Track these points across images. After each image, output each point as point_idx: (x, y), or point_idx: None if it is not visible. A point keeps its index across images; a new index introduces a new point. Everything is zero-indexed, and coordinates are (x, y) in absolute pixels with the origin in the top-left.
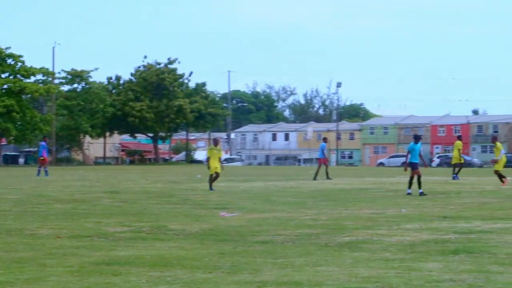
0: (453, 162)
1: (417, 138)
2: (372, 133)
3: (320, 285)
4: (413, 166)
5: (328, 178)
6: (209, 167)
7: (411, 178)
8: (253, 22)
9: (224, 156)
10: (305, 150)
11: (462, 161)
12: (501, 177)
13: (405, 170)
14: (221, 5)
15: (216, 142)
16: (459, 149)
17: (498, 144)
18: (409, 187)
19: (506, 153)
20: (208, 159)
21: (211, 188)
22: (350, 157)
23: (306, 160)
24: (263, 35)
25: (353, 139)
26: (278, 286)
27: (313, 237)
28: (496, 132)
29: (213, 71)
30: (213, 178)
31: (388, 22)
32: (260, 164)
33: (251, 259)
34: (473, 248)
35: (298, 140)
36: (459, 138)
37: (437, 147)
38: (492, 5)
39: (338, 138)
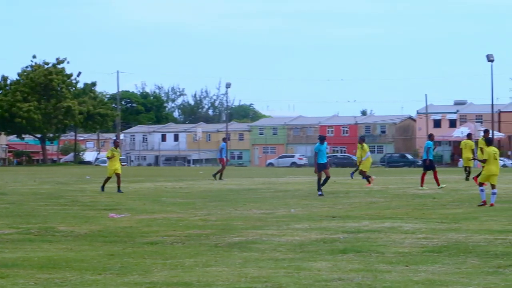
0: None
1: (322, 139)
2: (261, 133)
3: (210, 286)
4: (320, 167)
5: (215, 177)
6: (109, 168)
7: (319, 179)
8: (143, 23)
9: None
10: (194, 150)
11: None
12: (367, 177)
13: (315, 172)
14: (110, 5)
15: (116, 143)
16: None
17: (365, 145)
18: (319, 188)
19: (392, 153)
20: (108, 159)
21: (102, 189)
22: (240, 158)
23: (196, 161)
24: (152, 36)
25: (242, 139)
26: (168, 287)
27: (202, 237)
28: (384, 132)
29: (102, 71)
30: (107, 179)
31: (275, 23)
32: (149, 165)
33: (140, 260)
34: (362, 248)
35: (187, 140)
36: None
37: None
38: (378, 8)
39: (228, 138)
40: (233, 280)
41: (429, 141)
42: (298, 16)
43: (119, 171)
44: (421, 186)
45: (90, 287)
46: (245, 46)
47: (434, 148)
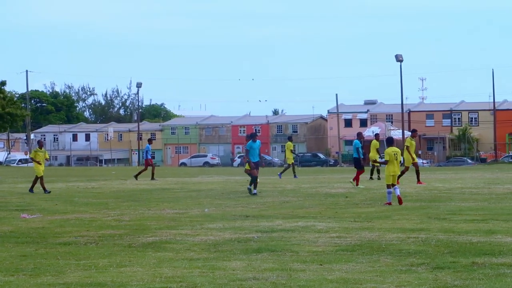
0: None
1: (253, 136)
2: (173, 133)
3: (125, 286)
4: (250, 165)
5: (136, 178)
6: (37, 168)
7: (255, 177)
8: (52, 22)
9: (18, 157)
10: (106, 150)
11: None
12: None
13: (251, 168)
14: (20, 3)
15: (40, 144)
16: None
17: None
18: (254, 186)
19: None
20: (32, 160)
21: (45, 191)
22: (152, 158)
23: (108, 161)
24: (61, 35)
25: (154, 139)
26: None
27: (116, 237)
28: (296, 132)
29: (11, 70)
30: (36, 180)
31: (187, 23)
32: (61, 165)
33: (53, 261)
34: (276, 247)
35: (99, 140)
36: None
37: (238, 147)
38: (290, 8)
39: (140, 138)
40: (147, 280)
41: (357, 140)
42: (209, 15)
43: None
44: (357, 185)
45: None
46: (155, 46)
47: (362, 147)
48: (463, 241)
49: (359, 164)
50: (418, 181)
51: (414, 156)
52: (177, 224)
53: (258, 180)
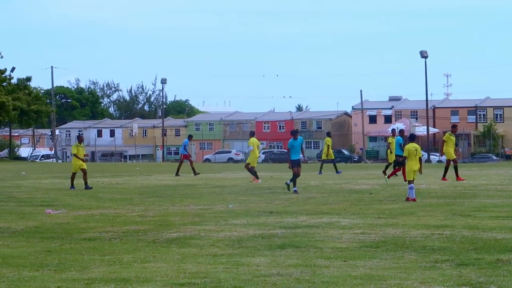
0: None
1: (295, 133)
2: (197, 129)
3: (149, 281)
4: (292, 163)
5: (177, 174)
6: (75, 164)
7: (297, 175)
8: (78, 18)
9: (42, 152)
10: (131, 146)
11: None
12: (254, 172)
13: (289, 167)
14: (45, 0)
15: (81, 139)
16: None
17: (252, 139)
18: (294, 184)
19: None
20: (75, 156)
21: (72, 187)
22: (177, 153)
23: (132, 157)
24: (87, 31)
25: (179, 135)
26: (106, 283)
27: (140, 233)
28: (320, 128)
29: (36, 67)
30: (74, 176)
31: (211, 20)
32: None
33: (78, 256)
34: (300, 243)
35: (123, 136)
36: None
37: (262, 143)
38: (314, 4)
39: (164, 134)
40: (171, 276)
41: (399, 137)
42: (234, 12)
43: (85, 167)
44: (389, 177)
45: (28, 284)
46: (181, 42)
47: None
48: (488, 238)
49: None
50: (457, 176)
51: (451, 151)
52: (201, 220)
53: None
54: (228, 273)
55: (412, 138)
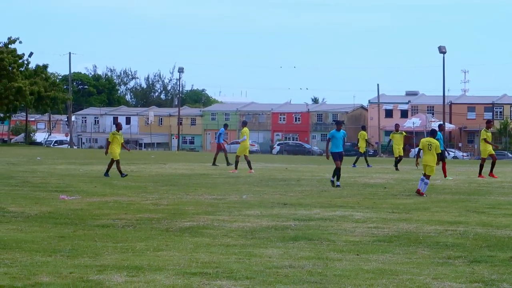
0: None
1: (338, 124)
2: (213, 119)
3: (161, 270)
4: (334, 156)
5: (214, 164)
6: (110, 153)
7: (338, 169)
8: (96, 5)
9: (56, 138)
10: (146, 134)
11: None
12: (237, 163)
13: (328, 158)
14: None
15: (119, 126)
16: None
17: (246, 129)
18: (337, 178)
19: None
20: (109, 144)
21: (122, 174)
22: (192, 143)
23: (147, 145)
24: (105, 18)
25: (194, 124)
26: (118, 270)
27: (154, 221)
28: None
29: (54, 52)
30: (112, 163)
31: (228, 10)
32: (101, 147)
33: (91, 242)
34: (313, 235)
35: (139, 124)
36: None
37: (277, 134)
38: None
39: (180, 123)
40: (184, 265)
41: (440, 132)
42: (252, 2)
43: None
44: (445, 176)
45: (40, 269)
46: (198, 31)
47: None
48: (502, 235)
49: (442, 156)
50: (491, 172)
51: (488, 148)
52: (215, 210)
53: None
54: (240, 264)
55: (432, 133)
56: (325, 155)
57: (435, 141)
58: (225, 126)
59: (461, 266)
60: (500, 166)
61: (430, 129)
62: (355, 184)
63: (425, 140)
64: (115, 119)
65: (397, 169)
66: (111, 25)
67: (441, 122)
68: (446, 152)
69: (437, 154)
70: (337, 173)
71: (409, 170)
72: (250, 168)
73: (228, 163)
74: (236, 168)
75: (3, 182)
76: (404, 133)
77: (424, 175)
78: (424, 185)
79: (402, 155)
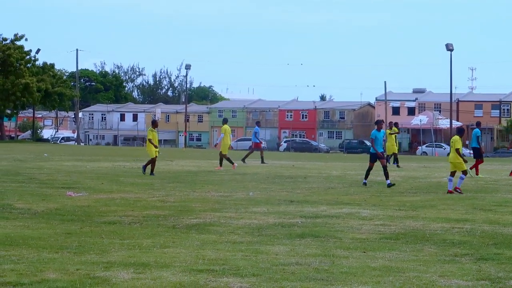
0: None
1: (379, 123)
2: (220, 116)
3: (167, 267)
4: (378, 156)
5: (263, 162)
6: (151, 150)
7: (384, 167)
8: (103, 1)
9: (63, 134)
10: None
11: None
12: (224, 160)
13: (380, 157)
14: None
15: (156, 124)
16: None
17: (226, 126)
18: (386, 177)
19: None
20: (150, 141)
21: (152, 173)
22: (199, 140)
23: None
24: (112, 15)
25: (201, 121)
26: (125, 267)
27: (160, 218)
28: (343, 118)
29: (61, 49)
30: (151, 161)
31: (235, 6)
32: (108, 144)
33: (98, 239)
34: (319, 232)
35: (146, 121)
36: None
37: (284, 132)
38: None
39: (187, 120)
40: (190, 262)
41: (477, 129)
42: None
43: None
44: (477, 174)
45: (47, 265)
46: (206, 28)
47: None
48: (508, 233)
49: (478, 153)
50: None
51: None
52: (222, 207)
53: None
54: (247, 261)
55: (458, 131)
56: (374, 154)
57: (454, 138)
58: (258, 123)
59: (468, 263)
60: (507, 163)
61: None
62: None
63: (452, 138)
64: (122, 116)
65: (398, 166)
66: (118, 21)
67: (476, 122)
68: (481, 150)
69: (456, 149)
70: (385, 171)
71: (417, 167)
72: (220, 165)
73: (262, 161)
74: (221, 165)
75: (10, 179)
76: (397, 130)
77: (452, 174)
78: (459, 180)
79: (396, 152)
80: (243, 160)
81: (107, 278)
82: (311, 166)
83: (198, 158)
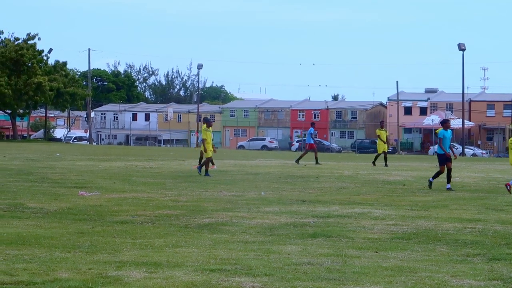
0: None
1: (446, 122)
2: (232, 115)
3: (180, 266)
4: (441, 158)
5: (317, 163)
6: (206, 150)
7: (449, 170)
8: (115, 1)
9: (75, 134)
10: (165, 131)
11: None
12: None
13: (455, 157)
14: None
15: (210, 123)
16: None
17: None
18: (448, 181)
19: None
20: (203, 141)
21: (206, 173)
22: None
23: (166, 141)
24: (123, 14)
25: (213, 121)
26: (137, 267)
27: (172, 218)
28: (355, 118)
29: (74, 49)
30: (208, 161)
31: (247, 5)
32: (120, 143)
33: (110, 239)
34: (331, 232)
35: (158, 120)
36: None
37: (296, 131)
38: None
39: (199, 120)
40: (202, 262)
41: None
42: None
43: (210, 154)
44: None
45: (59, 265)
46: (218, 28)
47: None
48: None
49: None
50: None
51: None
52: (234, 207)
53: (447, 174)
54: (259, 261)
55: None
56: (444, 154)
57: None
58: (313, 124)
59: (480, 263)
60: None
61: None
62: (374, 181)
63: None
64: (134, 116)
65: (374, 164)
66: (130, 21)
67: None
68: None
69: None
70: (449, 174)
71: (429, 167)
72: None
73: (317, 162)
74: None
75: (23, 178)
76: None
77: None
78: None
79: (386, 151)
80: (297, 161)
81: (119, 278)
82: (323, 166)
83: None
